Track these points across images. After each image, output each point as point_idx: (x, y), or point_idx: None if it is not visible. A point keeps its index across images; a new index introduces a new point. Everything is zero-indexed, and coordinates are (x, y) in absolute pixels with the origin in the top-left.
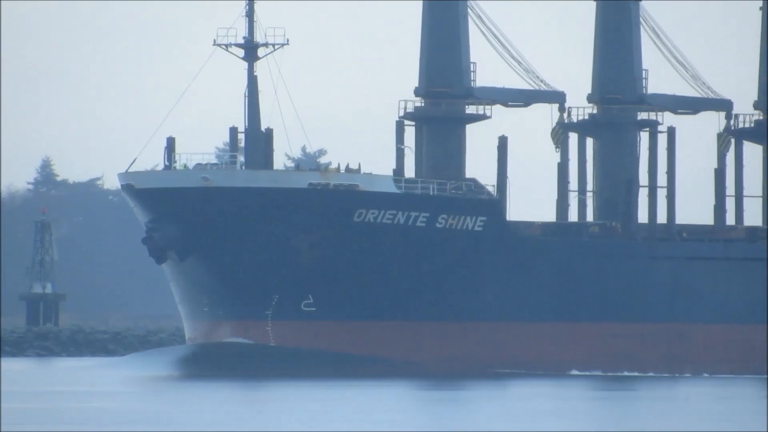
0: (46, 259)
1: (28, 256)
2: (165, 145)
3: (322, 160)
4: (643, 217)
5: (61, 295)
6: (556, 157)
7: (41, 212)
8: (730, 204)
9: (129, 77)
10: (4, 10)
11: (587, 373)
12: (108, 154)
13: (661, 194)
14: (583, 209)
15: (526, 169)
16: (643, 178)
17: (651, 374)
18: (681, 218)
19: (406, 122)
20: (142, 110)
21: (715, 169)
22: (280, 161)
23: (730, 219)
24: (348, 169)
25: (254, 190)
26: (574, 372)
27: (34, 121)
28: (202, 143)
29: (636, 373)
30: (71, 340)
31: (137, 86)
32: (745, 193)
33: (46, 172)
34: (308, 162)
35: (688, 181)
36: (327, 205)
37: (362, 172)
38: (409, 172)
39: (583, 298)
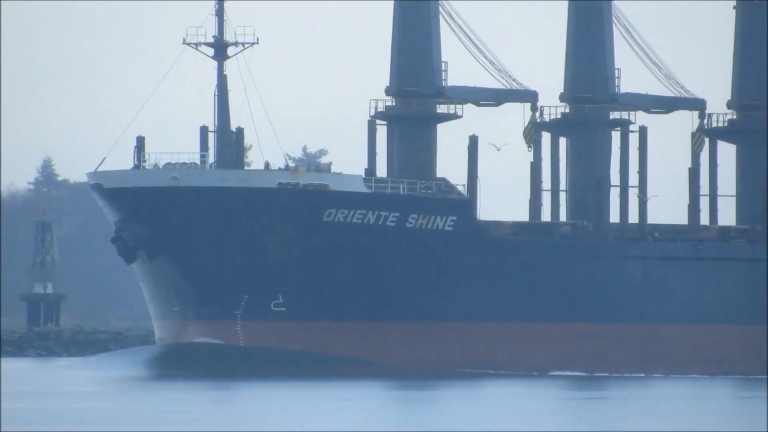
0: (47, 260)
1: (29, 257)
2: (135, 144)
3: (323, 160)
4: (615, 216)
5: (62, 295)
6: (529, 157)
7: (42, 212)
8: (704, 203)
9: (99, 76)
10: (5, 10)
11: (558, 374)
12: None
13: (633, 194)
14: (557, 208)
15: (499, 169)
16: (616, 177)
17: (623, 374)
18: (655, 218)
19: (378, 122)
20: (113, 109)
21: (689, 169)
22: (279, 161)
23: (705, 219)
24: (318, 169)
25: (224, 190)
26: (545, 372)
27: (34, 121)
28: (173, 143)
29: (608, 374)
30: (72, 341)
31: (107, 85)
32: (719, 192)
33: (47, 172)
34: (309, 162)
35: (663, 180)
36: (297, 204)
37: (332, 171)
38: (382, 171)
39: (553, 298)
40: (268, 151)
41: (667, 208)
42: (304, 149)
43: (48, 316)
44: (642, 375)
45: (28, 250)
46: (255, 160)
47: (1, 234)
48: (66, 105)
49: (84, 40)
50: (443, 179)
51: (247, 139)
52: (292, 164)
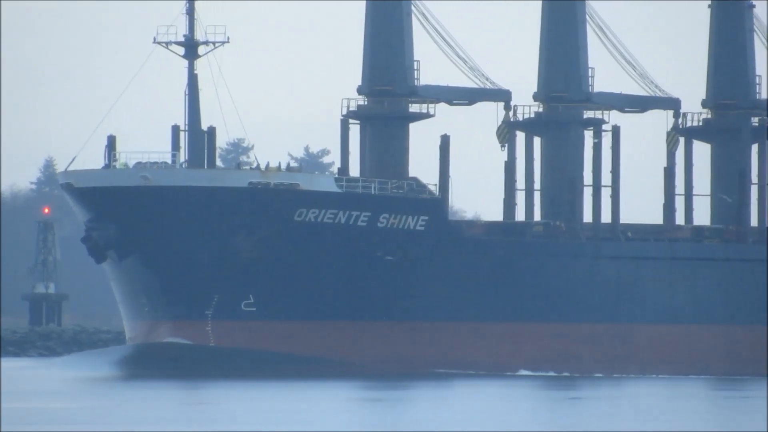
0: (49, 259)
1: (31, 256)
2: (106, 143)
3: (325, 160)
4: (589, 216)
5: (64, 295)
6: (503, 156)
7: (44, 212)
8: (680, 203)
9: (70, 75)
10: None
11: (530, 374)
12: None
13: (606, 193)
14: (531, 208)
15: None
16: (590, 176)
17: (596, 375)
18: (631, 217)
19: (351, 121)
20: (83, 108)
21: (665, 168)
22: (280, 160)
23: (680, 218)
24: (289, 168)
25: (194, 189)
26: (518, 372)
27: (37, 121)
28: (146, 142)
29: (580, 374)
30: (74, 340)
31: (78, 84)
32: (695, 192)
33: (48, 172)
34: (309, 162)
35: (639, 179)
36: (267, 204)
37: (303, 171)
38: (356, 170)
39: (526, 298)
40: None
41: (643, 207)
42: (306, 149)
43: (50, 316)
44: (615, 375)
45: (30, 250)
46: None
47: (2, 234)
48: (67, 104)
49: (54, 40)
50: (415, 179)
51: (219, 139)
52: (294, 164)
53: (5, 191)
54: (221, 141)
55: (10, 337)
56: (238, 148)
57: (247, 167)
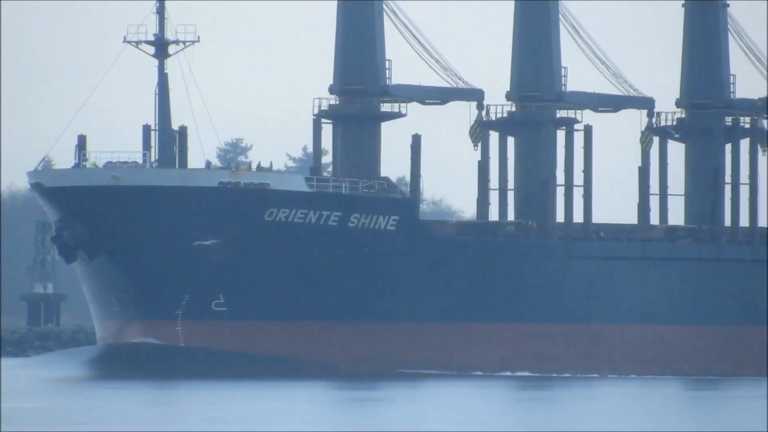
0: (47, 260)
1: (29, 256)
2: (76, 143)
3: (323, 159)
4: (562, 216)
5: (62, 295)
6: (477, 156)
7: (42, 212)
8: (654, 203)
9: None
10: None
11: (503, 374)
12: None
13: (579, 193)
14: (505, 207)
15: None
16: (562, 176)
17: (567, 375)
18: (605, 217)
19: (324, 120)
20: (54, 108)
21: (639, 168)
22: (281, 161)
23: (655, 218)
24: (259, 168)
25: (164, 189)
26: (489, 372)
27: (35, 121)
28: (117, 141)
29: (552, 374)
30: (72, 340)
31: (47, 83)
32: (670, 191)
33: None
34: (308, 162)
35: (614, 179)
36: (237, 204)
37: (274, 170)
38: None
39: (497, 298)
40: (208, 148)
41: (618, 207)
42: (304, 149)
43: (48, 316)
44: (588, 375)
45: (29, 250)
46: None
47: (1, 234)
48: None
49: (25, 39)
50: (386, 178)
51: (190, 138)
52: (292, 165)
53: (4, 191)
54: (219, 141)
55: (9, 337)
56: (236, 148)
57: (217, 167)
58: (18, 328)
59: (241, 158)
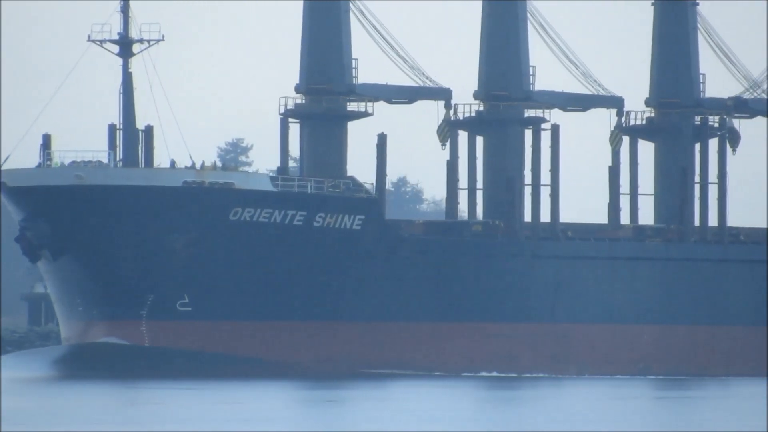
0: None
1: None
2: (41, 142)
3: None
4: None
5: None
6: (445, 155)
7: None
8: (625, 202)
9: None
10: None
11: (468, 374)
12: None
13: (546, 192)
14: (474, 207)
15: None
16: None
17: (534, 375)
18: (576, 217)
19: (291, 120)
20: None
21: (609, 167)
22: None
23: (626, 218)
24: (224, 167)
25: (128, 188)
26: (456, 373)
27: (36, 121)
28: (84, 141)
29: (518, 374)
30: None
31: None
32: (640, 191)
33: None
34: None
35: (584, 179)
36: (202, 203)
37: (239, 169)
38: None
39: (463, 297)
40: (174, 148)
41: (588, 207)
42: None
43: (49, 316)
44: (554, 376)
45: None
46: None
47: (1, 234)
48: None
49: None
50: (351, 178)
51: (155, 137)
52: (293, 164)
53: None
54: (220, 140)
55: (10, 337)
56: (237, 147)
57: (183, 166)
58: (18, 327)
59: (242, 158)
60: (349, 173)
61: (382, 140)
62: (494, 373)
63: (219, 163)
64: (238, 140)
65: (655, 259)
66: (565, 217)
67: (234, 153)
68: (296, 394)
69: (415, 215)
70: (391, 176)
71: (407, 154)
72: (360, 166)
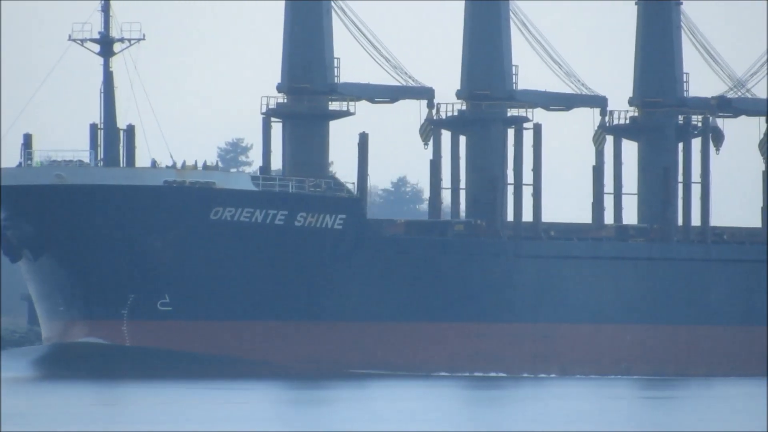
0: None
1: None
2: (22, 141)
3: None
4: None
5: None
6: (428, 154)
7: None
8: (609, 202)
9: None
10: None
11: (451, 374)
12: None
13: (529, 192)
14: (457, 207)
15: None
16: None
17: (517, 375)
18: (560, 216)
19: (273, 119)
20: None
21: (593, 167)
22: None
23: (610, 217)
24: (205, 167)
25: (109, 188)
26: (438, 373)
27: (17, 120)
28: (66, 140)
29: (501, 374)
30: None
31: None
32: (625, 190)
33: None
34: None
35: (568, 178)
36: (183, 203)
37: (220, 169)
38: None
39: (446, 297)
40: (155, 148)
41: (572, 206)
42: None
43: None
44: (537, 375)
45: None
46: (256, 161)
47: (1, 233)
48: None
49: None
50: (333, 177)
51: (138, 137)
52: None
53: None
54: (220, 140)
55: (10, 337)
56: (237, 147)
57: (164, 166)
58: (18, 327)
59: (242, 158)
60: (336, 173)
61: (363, 140)
62: (477, 373)
63: (220, 164)
64: (238, 140)
65: (638, 258)
66: (549, 217)
67: (234, 153)
68: (277, 395)
69: (415, 215)
70: (391, 176)
71: (406, 155)
72: (342, 166)
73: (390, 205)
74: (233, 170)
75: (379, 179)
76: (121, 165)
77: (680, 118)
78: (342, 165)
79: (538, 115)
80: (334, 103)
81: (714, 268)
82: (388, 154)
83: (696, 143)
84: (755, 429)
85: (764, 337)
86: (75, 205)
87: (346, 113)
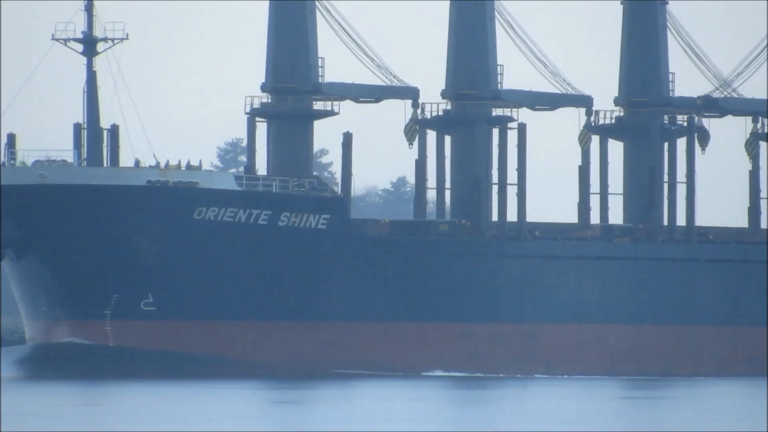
0: None
1: None
2: (5, 141)
3: (323, 160)
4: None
5: None
6: (413, 154)
7: None
8: (595, 202)
9: None
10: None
11: (435, 374)
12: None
13: (513, 191)
14: (442, 207)
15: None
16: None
17: (501, 375)
18: (546, 216)
19: (258, 119)
20: None
21: (579, 166)
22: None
23: (595, 217)
24: (189, 166)
25: (92, 188)
26: (423, 373)
27: (20, 121)
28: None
29: (486, 374)
30: None
31: None
32: (611, 190)
33: None
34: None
35: (555, 178)
36: (166, 202)
37: (203, 169)
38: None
39: (430, 297)
40: (139, 148)
41: (559, 206)
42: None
43: None
44: (522, 376)
45: None
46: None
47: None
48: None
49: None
50: (317, 177)
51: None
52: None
53: None
54: (219, 140)
55: (10, 337)
56: (237, 147)
57: (147, 165)
58: (18, 327)
59: (242, 158)
60: (336, 173)
61: (347, 139)
62: (461, 373)
63: (220, 164)
64: (238, 140)
65: (623, 258)
66: (535, 217)
67: (234, 153)
68: (261, 395)
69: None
70: (391, 176)
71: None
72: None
73: (390, 204)
74: (232, 170)
75: (380, 179)
76: (105, 165)
77: (666, 117)
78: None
79: (523, 114)
80: (318, 102)
81: (699, 268)
82: (388, 154)
83: (681, 143)
84: (743, 429)
85: (751, 337)
86: (58, 205)
87: (331, 113)
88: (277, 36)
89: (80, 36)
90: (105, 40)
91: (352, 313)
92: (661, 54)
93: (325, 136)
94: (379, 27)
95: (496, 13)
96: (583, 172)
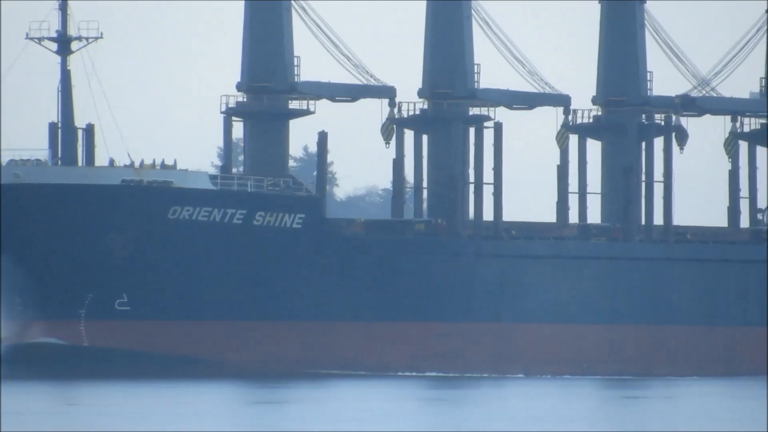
0: None
1: None
2: None
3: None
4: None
5: None
6: (390, 153)
7: None
8: (574, 201)
9: None
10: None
11: (411, 374)
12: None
13: (489, 191)
14: (420, 206)
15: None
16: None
17: (478, 375)
18: (525, 216)
19: (234, 118)
20: None
21: (558, 166)
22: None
23: (574, 216)
24: (164, 166)
25: (66, 187)
26: (399, 373)
27: (37, 121)
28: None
29: (461, 374)
30: None
31: None
32: (589, 189)
33: None
34: (309, 162)
35: (533, 177)
36: (140, 202)
37: (178, 168)
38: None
39: (406, 297)
40: (113, 147)
41: (537, 205)
42: (305, 149)
43: None
44: (499, 375)
45: None
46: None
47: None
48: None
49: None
50: (291, 176)
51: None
52: (293, 164)
53: None
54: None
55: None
56: (236, 147)
57: (122, 164)
58: None
59: (241, 158)
60: (337, 172)
61: (322, 138)
62: (437, 373)
63: (220, 163)
64: (238, 140)
65: (600, 258)
66: (514, 217)
67: (234, 153)
68: (236, 395)
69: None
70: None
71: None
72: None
73: (387, 204)
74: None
75: (380, 179)
76: (80, 164)
77: (644, 117)
78: (339, 165)
79: (501, 114)
80: (294, 102)
81: (676, 268)
82: (389, 154)
83: (659, 142)
84: (720, 429)
85: (728, 337)
86: (32, 205)
87: (306, 112)
88: (253, 35)
89: (54, 35)
90: (79, 39)
91: (328, 313)
92: (639, 53)
93: (301, 135)
94: (355, 26)
95: (472, 12)
96: (562, 171)
